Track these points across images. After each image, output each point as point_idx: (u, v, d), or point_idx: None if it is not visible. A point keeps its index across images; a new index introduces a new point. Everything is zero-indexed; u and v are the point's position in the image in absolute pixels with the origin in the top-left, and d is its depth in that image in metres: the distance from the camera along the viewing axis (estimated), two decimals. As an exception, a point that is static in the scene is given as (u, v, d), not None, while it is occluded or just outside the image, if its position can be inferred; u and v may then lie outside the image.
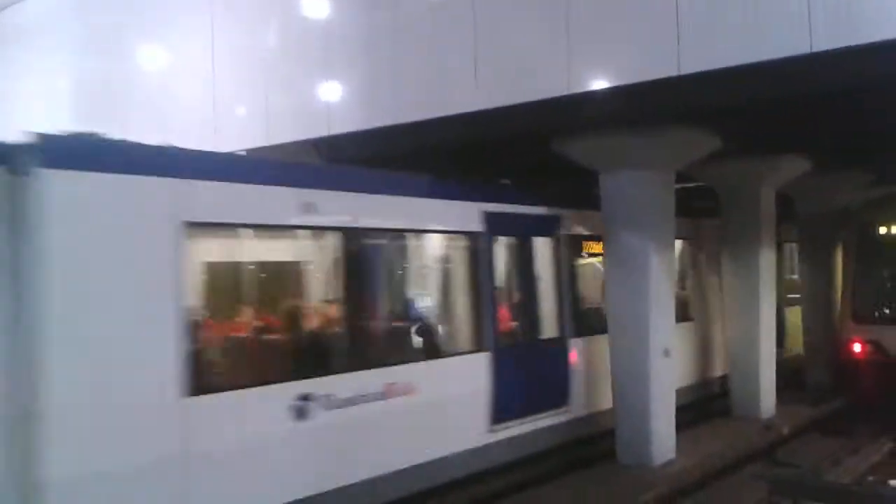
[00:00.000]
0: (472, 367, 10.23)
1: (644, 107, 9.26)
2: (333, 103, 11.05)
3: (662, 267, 11.30)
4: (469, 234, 10.49)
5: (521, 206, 11.36)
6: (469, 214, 10.44)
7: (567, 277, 11.94)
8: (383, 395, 8.87)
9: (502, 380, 10.42)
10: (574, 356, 11.75)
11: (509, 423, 10.57)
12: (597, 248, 12.50)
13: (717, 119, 10.26)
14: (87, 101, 14.31)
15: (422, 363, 9.78)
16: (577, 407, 11.76)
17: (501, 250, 11.28)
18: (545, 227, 11.74)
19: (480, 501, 10.01)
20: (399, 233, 10.06)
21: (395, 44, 10.26)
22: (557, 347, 11.63)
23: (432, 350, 10.18)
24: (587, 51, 8.75)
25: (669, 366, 11.47)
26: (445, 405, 9.67)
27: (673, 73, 8.02)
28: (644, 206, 11.11)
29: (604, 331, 11.76)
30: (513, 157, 12.26)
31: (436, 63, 9.84)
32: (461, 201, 10.44)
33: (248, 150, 11.73)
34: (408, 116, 10.05)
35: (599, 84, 8.76)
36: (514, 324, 11.34)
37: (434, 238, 10.80)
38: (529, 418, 10.92)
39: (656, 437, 11.15)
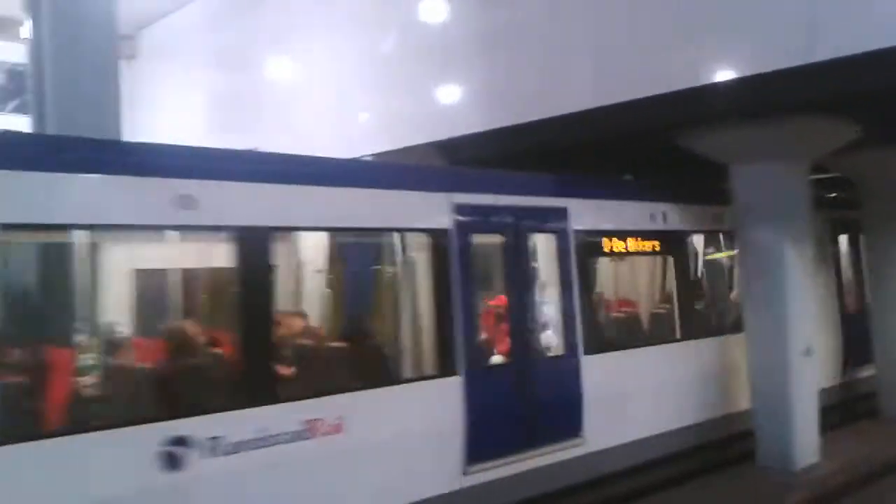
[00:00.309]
0: (436, 395, 8.43)
1: (774, 96, 8.90)
2: (454, 105, 11.16)
3: (799, 261, 10.86)
4: (431, 232, 8.68)
5: (512, 197, 9.46)
6: (431, 207, 8.73)
7: (581, 282, 9.96)
8: (302, 435, 7.22)
9: (481, 409, 8.60)
10: (589, 376, 9.74)
11: (492, 463, 8.70)
12: (622, 245, 10.77)
13: (854, 107, 9.75)
14: (221, 113, 14.96)
15: (360, 392, 7.87)
16: (595, 438, 9.73)
17: (482, 250, 9.40)
18: (547, 220, 9.84)
19: (610, 500, 9.80)
20: (324, 231, 8.63)
21: (514, 43, 10.25)
22: (565, 366, 9.65)
23: (376, 376, 8.37)
24: (713, 41, 8.50)
25: (811, 365, 10.95)
26: (395, 444, 7.89)
27: (806, 60, 7.66)
28: (778, 199, 10.73)
29: (632, 345, 10.71)
30: (633, 154, 12.03)
31: (555, 61, 9.77)
32: (419, 191, 8.72)
33: (376, 155, 12.00)
34: (527, 116, 10.01)
35: (726, 75, 8.47)
36: (501, 341, 9.52)
37: (377, 237, 8.96)
38: (522, 455, 9.02)
39: (798, 440, 10.70)
